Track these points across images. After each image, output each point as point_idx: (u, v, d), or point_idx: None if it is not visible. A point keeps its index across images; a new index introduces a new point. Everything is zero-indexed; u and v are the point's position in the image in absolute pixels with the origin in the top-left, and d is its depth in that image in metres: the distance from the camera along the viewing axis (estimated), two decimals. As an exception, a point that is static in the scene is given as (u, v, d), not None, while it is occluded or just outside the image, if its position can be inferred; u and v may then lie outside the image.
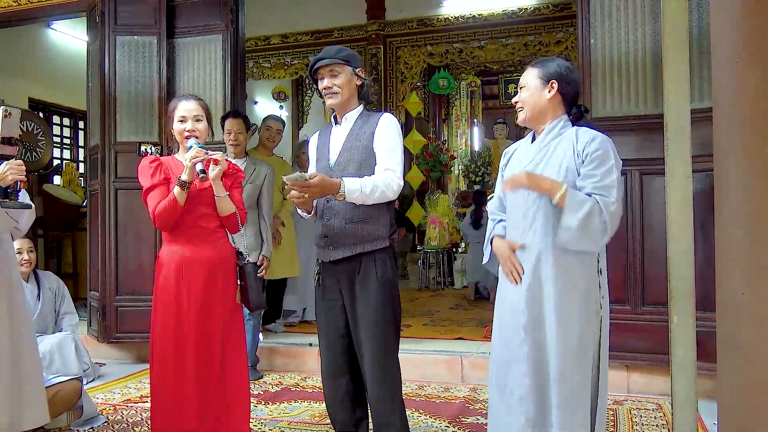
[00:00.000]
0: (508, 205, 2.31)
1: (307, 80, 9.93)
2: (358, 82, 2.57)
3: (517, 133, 11.13)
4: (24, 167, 2.37)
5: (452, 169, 10.31)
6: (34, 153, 6.10)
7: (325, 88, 2.52)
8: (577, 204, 2.02)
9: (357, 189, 2.38)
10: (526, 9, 7.77)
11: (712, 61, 1.17)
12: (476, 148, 11.78)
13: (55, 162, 7.62)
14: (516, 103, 2.29)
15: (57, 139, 7.93)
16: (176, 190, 2.54)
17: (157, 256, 2.70)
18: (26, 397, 2.43)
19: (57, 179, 7.47)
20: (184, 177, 2.53)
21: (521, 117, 2.28)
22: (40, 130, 6.23)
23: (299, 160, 5.32)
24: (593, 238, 2.04)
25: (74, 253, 6.82)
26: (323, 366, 2.65)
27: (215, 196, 2.63)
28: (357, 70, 2.55)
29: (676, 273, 1.71)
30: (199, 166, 2.48)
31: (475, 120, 12.24)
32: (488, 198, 2.55)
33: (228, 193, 2.66)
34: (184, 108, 2.68)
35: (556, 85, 2.19)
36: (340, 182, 2.37)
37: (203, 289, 2.61)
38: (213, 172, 2.56)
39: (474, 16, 8.02)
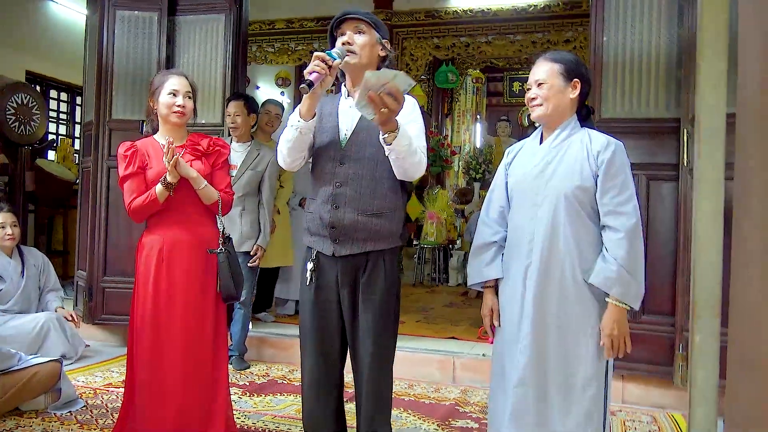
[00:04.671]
0: (513, 206, 2.16)
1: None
2: (382, 53, 2.25)
3: (520, 131, 11.00)
4: None
5: (452, 164, 10.21)
6: (27, 126, 5.96)
7: (345, 44, 2.17)
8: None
9: (408, 140, 2.03)
10: (535, 6, 7.62)
11: (738, 56, 1.05)
12: (478, 144, 11.67)
13: (51, 137, 7.49)
14: (534, 98, 2.08)
15: (54, 114, 7.80)
16: (158, 188, 2.45)
17: (139, 240, 2.61)
18: None
19: (51, 154, 7.35)
20: (169, 178, 2.43)
21: (539, 112, 2.08)
22: (35, 103, 6.09)
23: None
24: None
25: (65, 231, 6.70)
26: (308, 375, 2.25)
27: (195, 189, 2.53)
28: (383, 40, 2.25)
29: (701, 288, 1.60)
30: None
31: (479, 116, 12.12)
32: None
33: (206, 183, 2.54)
34: (177, 82, 2.57)
35: (579, 85, 2.07)
36: (398, 123, 2.01)
37: (184, 274, 2.51)
38: (169, 175, 2.45)
39: (483, 10, 7.88)
